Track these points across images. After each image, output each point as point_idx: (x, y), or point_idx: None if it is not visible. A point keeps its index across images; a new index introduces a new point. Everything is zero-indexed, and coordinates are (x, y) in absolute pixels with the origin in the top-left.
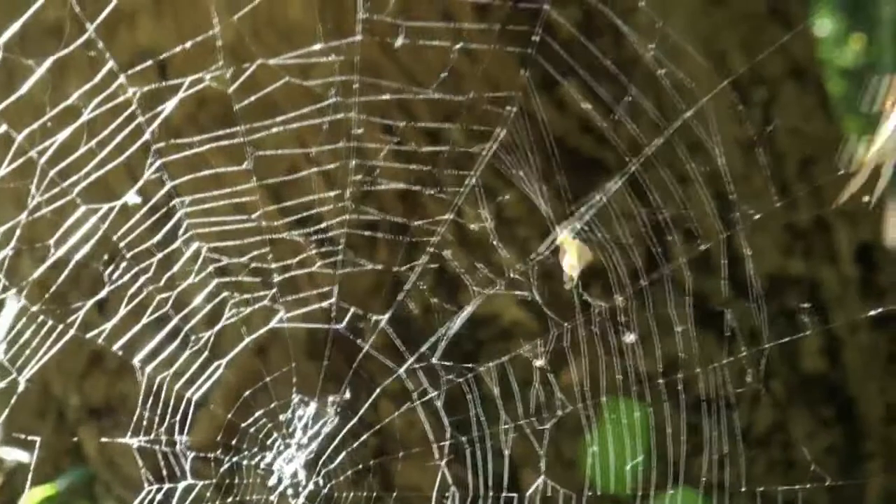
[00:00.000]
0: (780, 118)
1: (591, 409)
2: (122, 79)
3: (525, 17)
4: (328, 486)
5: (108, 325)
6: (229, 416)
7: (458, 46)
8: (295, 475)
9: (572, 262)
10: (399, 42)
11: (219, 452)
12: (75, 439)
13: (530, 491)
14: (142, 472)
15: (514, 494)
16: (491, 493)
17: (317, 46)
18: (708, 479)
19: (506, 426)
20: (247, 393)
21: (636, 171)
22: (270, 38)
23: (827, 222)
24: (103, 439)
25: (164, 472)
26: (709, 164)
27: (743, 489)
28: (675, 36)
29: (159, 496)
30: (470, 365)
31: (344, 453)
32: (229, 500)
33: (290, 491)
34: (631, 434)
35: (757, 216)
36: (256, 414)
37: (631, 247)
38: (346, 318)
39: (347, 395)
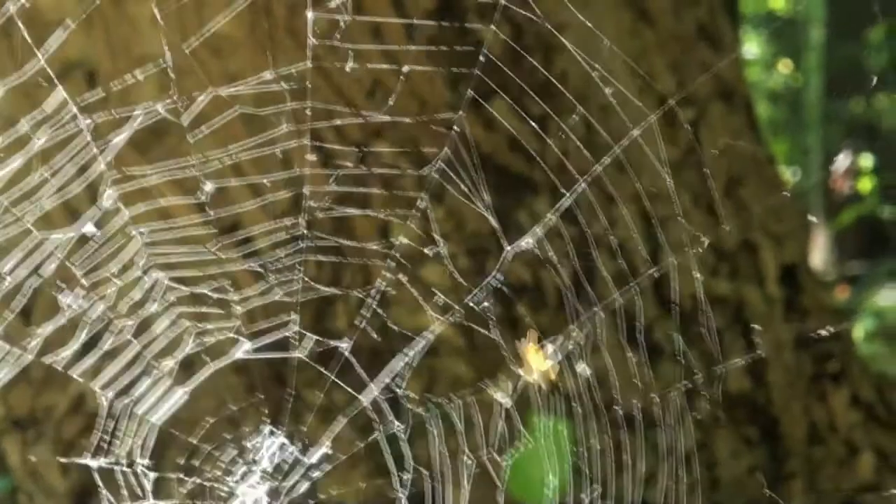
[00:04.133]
0: (707, 138)
1: (516, 426)
2: (73, 108)
3: (454, 35)
4: None
5: (69, 351)
6: (194, 441)
7: (405, 69)
8: (257, 501)
9: (534, 374)
10: (349, 66)
11: (181, 475)
12: None
13: None
14: (101, 493)
15: None
16: None
17: (267, 74)
18: (632, 497)
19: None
20: (211, 420)
21: (564, 192)
22: (201, 52)
23: (753, 243)
24: (62, 459)
25: (125, 493)
26: (637, 184)
27: None
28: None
29: None
30: (437, 399)
31: (307, 482)
32: None
33: None
34: (554, 452)
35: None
36: (223, 439)
37: (557, 268)
38: (309, 346)
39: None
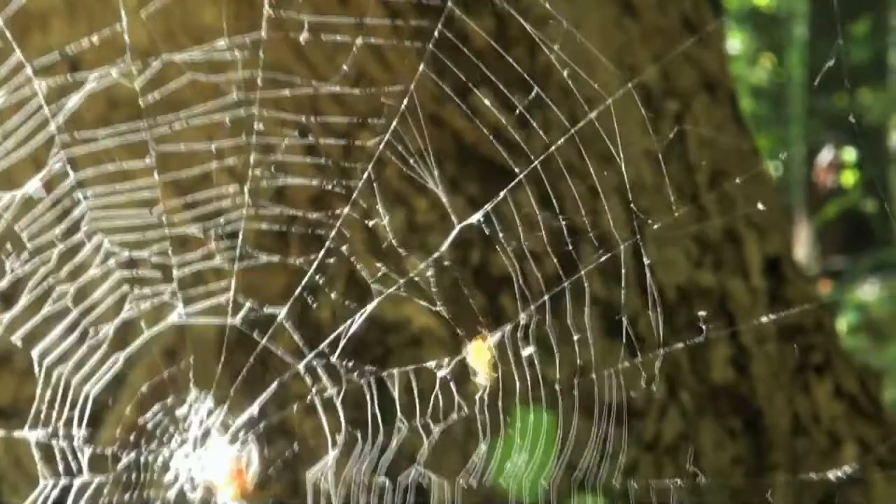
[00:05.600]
0: (692, 130)
1: (497, 414)
2: (28, 70)
3: (430, 13)
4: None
5: (7, 316)
6: (127, 411)
7: (359, 42)
8: (191, 471)
9: (477, 369)
10: (304, 37)
11: (117, 448)
12: None
13: (401, 476)
14: (38, 466)
15: (385, 479)
16: (365, 480)
17: (221, 42)
18: (614, 486)
19: (400, 425)
20: (144, 388)
21: (546, 182)
22: (183, 41)
23: (737, 235)
24: (3, 433)
25: (61, 467)
26: (619, 175)
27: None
28: (583, 44)
29: (55, 492)
30: (371, 367)
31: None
32: (127, 496)
33: (186, 486)
34: (537, 441)
35: (657, 225)
36: (154, 409)
37: (537, 256)
38: (241, 313)
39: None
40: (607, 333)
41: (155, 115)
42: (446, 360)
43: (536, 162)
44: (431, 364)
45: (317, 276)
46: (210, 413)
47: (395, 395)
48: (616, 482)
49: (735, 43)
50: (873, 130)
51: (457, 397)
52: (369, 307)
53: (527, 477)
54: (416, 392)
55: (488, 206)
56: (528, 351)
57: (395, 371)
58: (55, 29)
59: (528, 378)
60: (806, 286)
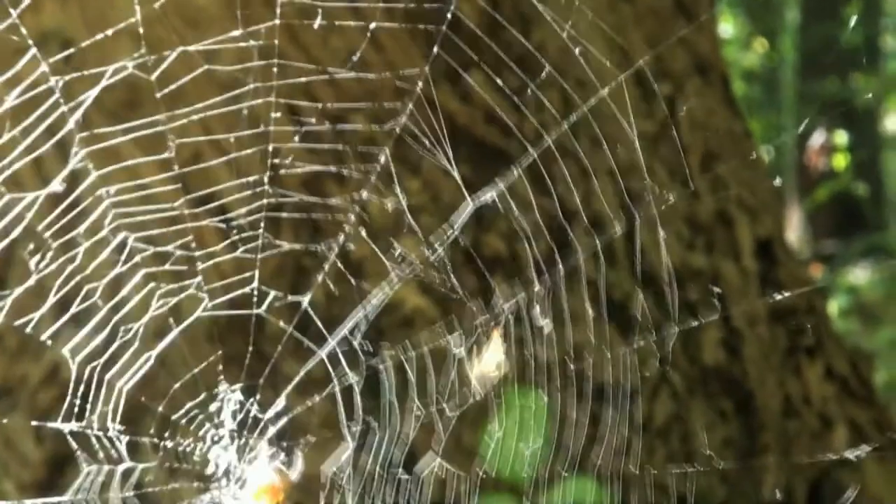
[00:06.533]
0: (684, 112)
1: (492, 395)
2: (44, 66)
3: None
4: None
5: (37, 315)
6: (160, 409)
7: (372, 25)
8: (230, 463)
9: (490, 359)
10: (317, 23)
11: (154, 439)
12: None
13: (424, 472)
14: (77, 455)
15: (408, 476)
16: (386, 474)
17: (235, 32)
18: (605, 467)
19: (416, 412)
20: (177, 386)
21: (539, 164)
22: (177, 24)
23: (729, 217)
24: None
25: (102, 455)
26: (612, 158)
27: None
28: (576, 30)
29: (100, 477)
30: (391, 350)
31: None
32: (172, 484)
33: (223, 480)
34: (529, 421)
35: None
36: (186, 405)
37: (529, 239)
38: (266, 301)
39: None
40: (600, 316)
41: (162, 107)
42: (457, 333)
43: (535, 156)
44: (447, 339)
45: (319, 262)
46: (241, 407)
47: (413, 378)
48: (608, 464)
49: (728, 27)
50: (865, 114)
51: (473, 379)
52: (386, 289)
53: (520, 460)
54: (431, 374)
55: (502, 185)
56: (544, 323)
57: (413, 353)
58: (47, 10)
59: (521, 360)
60: (798, 268)
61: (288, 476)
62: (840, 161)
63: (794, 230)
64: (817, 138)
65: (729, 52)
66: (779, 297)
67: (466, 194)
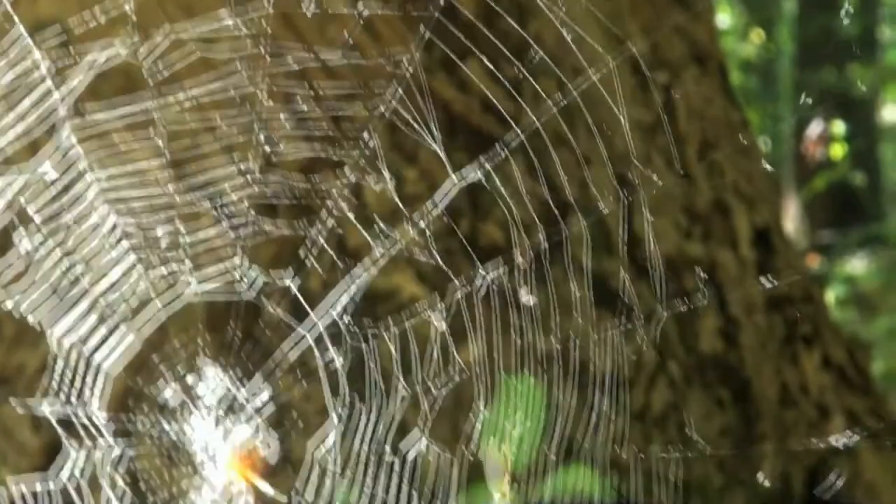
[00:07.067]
0: (681, 101)
1: (487, 383)
2: (35, 52)
3: None
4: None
5: (21, 292)
6: (142, 385)
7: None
8: (211, 440)
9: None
10: (311, 9)
11: (132, 416)
12: None
13: (411, 454)
14: (62, 436)
15: (394, 458)
16: (373, 456)
17: (228, 21)
18: (603, 456)
19: (403, 392)
20: (158, 361)
21: (534, 152)
22: (172, 10)
23: (726, 206)
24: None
25: (83, 435)
26: (608, 146)
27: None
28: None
29: (87, 459)
30: (374, 328)
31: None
32: (154, 462)
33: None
34: (526, 409)
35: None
36: (169, 383)
37: (517, 224)
38: (254, 284)
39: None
40: (597, 303)
41: (159, 91)
42: (439, 303)
43: (524, 140)
44: (427, 313)
45: (308, 245)
46: (224, 387)
47: (396, 355)
48: (605, 452)
49: (725, 17)
50: (863, 104)
51: (456, 357)
52: (371, 270)
53: (516, 446)
54: (414, 352)
55: (487, 164)
56: (527, 298)
57: (395, 329)
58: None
59: (518, 345)
60: (795, 257)
61: (262, 452)
62: (837, 151)
63: (792, 220)
64: (814, 128)
65: (726, 42)
66: (769, 284)
67: (453, 176)
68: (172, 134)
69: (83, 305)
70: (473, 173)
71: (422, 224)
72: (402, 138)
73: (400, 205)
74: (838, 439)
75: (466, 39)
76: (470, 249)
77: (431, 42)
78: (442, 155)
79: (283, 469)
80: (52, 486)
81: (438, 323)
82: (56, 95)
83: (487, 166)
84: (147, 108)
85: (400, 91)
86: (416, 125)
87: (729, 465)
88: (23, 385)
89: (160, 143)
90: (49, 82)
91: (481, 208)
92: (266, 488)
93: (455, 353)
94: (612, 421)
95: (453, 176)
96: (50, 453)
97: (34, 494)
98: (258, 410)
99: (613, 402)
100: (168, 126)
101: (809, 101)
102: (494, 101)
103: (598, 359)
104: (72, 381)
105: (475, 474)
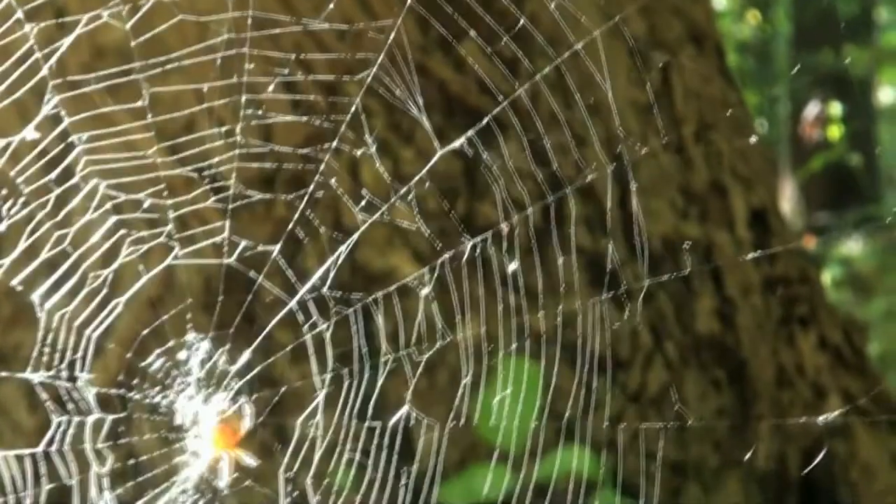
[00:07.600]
0: (678, 82)
1: (480, 360)
2: (19, 13)
3: None
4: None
5: (6, 261)
6: (128, 355)
7: None
8: (197, 413)
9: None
10: None
11: (121, 390)
12: None
13: (393, 420)
14: (48, 406)
15: (377, 423)
16: (354, 423)
17: None
18: (599, 436)
19: (385, 357)
20: (145, 332)
21: (528, 131)
22: None
23: (723, 186)
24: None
25: (70, 407)
26: (605, 126)
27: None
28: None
29: (71, 429)
30: (358, 294)
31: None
32: (144, 434)
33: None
34: (522, 390)
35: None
36: (155, 352)
37: (522, 205)
38: (237, 252)
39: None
40: (592, 283)
41: (146, 58)
42: (427, 276)
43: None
44: (413, 281)
45: (303, 221)
46: (209, 356)
47: (380, 323)
48: (601, 432)
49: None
50: (860, 85)
51: (439, 322)
52: (354, 236)
53: (511, 427)
54: (400, 319)
55: (471, 132)
56: (513, 266)
57: (380, 297)
58: None
59: (513, 326)
60: (792, 238)
61: (241, 421)
62: (834, 132)
63: (788, 201)
64: (811, 109)
65: (723, 24)
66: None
67: (436, 143)
68: (157, 99)
69: (65, 269)
70: (458, 142)
71: (404, 191)
72: (399, 118)
73: (386, 177)
74: (832, 418)
75: (463, 19)
76: (465, 228)
77: (427, 22)
78: (426, 124)
79: (271, 443)
80: (40, 459)
81: (426, 294)
82: (38, 56)
83: (473, 136)
84: (130, 72)
85: (395, 71)
86: (403, 100)
87: (725, 445)
88: (20, 364)
89: (143, 106)
90: (31, 44)
91: (478, 188)
92: (248, 459)
93: (445, 326)
94: (608, 401)
95: (436, 143)
96: (45, 433)
97: (21, 470)
98: (241, 380)
99: (609, 381)
100: (152, 91)
101: (802, 76)
102: (491, 81)
103: (592, 338)
104: (54, 347)
105: (470, 455)
